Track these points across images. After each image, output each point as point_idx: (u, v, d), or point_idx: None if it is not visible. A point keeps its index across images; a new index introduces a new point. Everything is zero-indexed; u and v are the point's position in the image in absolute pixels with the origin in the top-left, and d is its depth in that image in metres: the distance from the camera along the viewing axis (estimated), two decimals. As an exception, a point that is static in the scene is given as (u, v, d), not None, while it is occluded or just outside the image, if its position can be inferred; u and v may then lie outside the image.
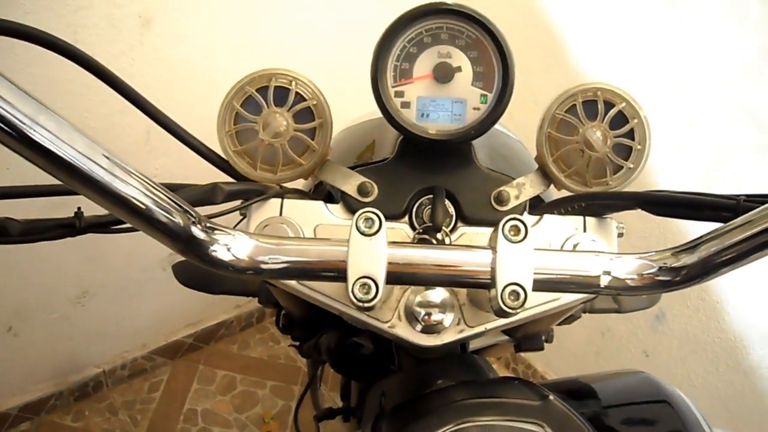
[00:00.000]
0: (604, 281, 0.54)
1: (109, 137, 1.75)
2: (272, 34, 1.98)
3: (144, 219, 0.46)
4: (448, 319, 0.66)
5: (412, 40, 0.68)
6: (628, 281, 0.54)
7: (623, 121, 0.69)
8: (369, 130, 0.87)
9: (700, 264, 0.53)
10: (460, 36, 0.68)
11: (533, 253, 0.52)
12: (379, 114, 0.70)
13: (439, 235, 0.68)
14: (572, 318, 0.90)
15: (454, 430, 0.60)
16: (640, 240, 1.80)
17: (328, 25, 2.10)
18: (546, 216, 0.71)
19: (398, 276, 0.53)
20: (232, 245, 0.52)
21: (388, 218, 0.54)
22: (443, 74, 0.69)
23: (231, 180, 0.70)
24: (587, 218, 0.71)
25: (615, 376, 0.83)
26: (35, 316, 1.99)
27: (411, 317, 0.66)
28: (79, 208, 0.58)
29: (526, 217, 0.71)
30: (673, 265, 0.54)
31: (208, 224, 0.51)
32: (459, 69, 0.69)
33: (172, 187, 0.57)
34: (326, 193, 0.78)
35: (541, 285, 0.53)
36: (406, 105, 0.70)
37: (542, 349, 0.95)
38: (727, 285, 1.66)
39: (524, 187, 0.71)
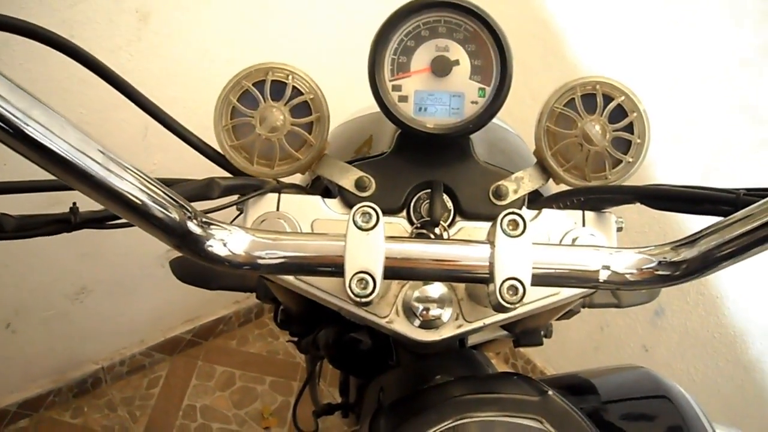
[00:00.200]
0: (604, 276, 0.54)
1: (105, 133, 1.74)
2: (270, 29, 1.98)
3: (140, 214, 0.46)
4: (446, 314, 0.66)
5: (410, 34, 0.68)
6: (627, 276, 0.54)
7: (622, 115, 0.68)
8: (366, 125, 0.87)
9: (700, 258, 0.53)
10: (458, 29, 0.68)
11: (532, 248, 0.52)
12: (376, 108, 0.69)
13: (437, 230, 0.68)
14: (571, 313, 0.90)
15: (453, 425, 0.59)
16: (638, 235, 1.80)
17: (326, 18, 2.09)
18: (544, 210, 0.71)
19: (396, 271, 0.53)
20: (228, 240, 0.52)
21: (385, 213, 0.54)
22: (441, 68, 0.68)
23: (228, 175, 0.70)
24: (586, 212, 0.71)
25: (614, 372, 0.83)
26: (33, 313, 1.99)
27: (409, 312, 0.66)
28: (74, 204, 0.58)
29: (525, 212, 0.71)
30: (672, 260, 0.54)
31: (205, 219, 0.51)
32: (457, 62, 0.68)
33: (168, 182, 0.57)
34: (323, 188, 0.78)
35: (539, 280, 0.53)
36: (403, 99, 0.69)
37: (541, 344, 0.95)
38: (726, 280, 1.66)
39: (523, 182, 0.71)
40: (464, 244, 0.55)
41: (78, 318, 2.09)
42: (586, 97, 0.69)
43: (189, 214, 0.49)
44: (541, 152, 0.71)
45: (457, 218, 0.71)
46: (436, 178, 0.70)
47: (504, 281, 0.51)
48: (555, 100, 0.69)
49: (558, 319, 0.88)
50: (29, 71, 1.55)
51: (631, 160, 0.69)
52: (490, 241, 0.53)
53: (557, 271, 0.54)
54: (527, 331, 0.94)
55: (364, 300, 0.51)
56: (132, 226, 0.49)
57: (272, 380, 2.36)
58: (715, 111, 1.59)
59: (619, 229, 0.71)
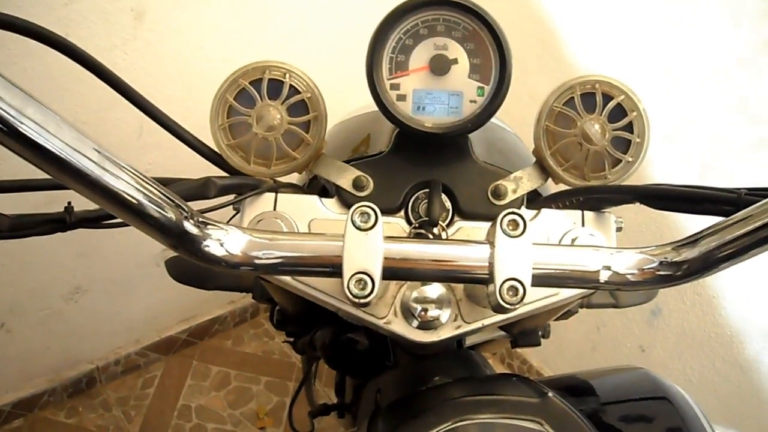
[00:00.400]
0: (604, 276, 0.54)
1: (101, 131, 1.74)
2: (267, 27, 1.97)
3: (135, 213, 0.45)
4: (444, 314, 0.65)
5: (408, 32, 0.68)
6: (628, 276, 0.54)
7: (622, 114, 0.68)
8: (364, 124, 0.87)
9: (701, 259, 0.52)
10: (457, 28, 0.67)
11: (532, 248, 0.52)
12: (374, 107, 0.69)
13: (435, 230, 0.67)
14: (569, 313, 0.89)
15: (452, 428, 0.59)
16: (636, 235, 1.80)
17: (324, 16, 2.09)
18: (544, 210, 0.71)
19: (394, 271, 0.53)
20: (225, 240, 0.51)
21: (383, 213, 0.53)
22: (439, 66, 0.68)
23: (224, 174, 0.69)
24: (585, 212, 0.70)
25: (613, 373, 0.83)
26: (28, 312, 1.98)
27: (407, 313, 0.65)
28: (69, 203, 0.57)
29: (524, 212, 0.70)
30: (673, 260, 0.53)
31: (201, 219, 0.50)
32: (455, 61, 0.68)
33: (164, 182, 0.57)
34: (321, 188, 0.77)
35: (540, 280, 0.52)
36: (401, 98, 0.69)
37: (539, 344, 0.95)
38: (723, 280, 1.66)
39: (522, 181, 0.71)
40: (463, 244, 0.54)
41: (73, 317, 2.08)
42: (586, 96, 0.68)
43: (185, 214, 0.49)
44: (540, 151, 0.70)
45: (456, 218, 0.70)
46: (434, 178, 0.70)
47: (504, 282, 0.50)
48: (554, 99, 0.69)
49: (556, 320, 0.87)
50: (25, 69, 1.54)
51: (630, 159, 0.68)
52: (490, 241, 0.53)
53: (558, 271, 0.54)
54: (525, 332, 0.94)
55: (362, 301, 0.50)
56: (128, 225, 0.49)
57: (268, 380, 2.36)
58: (713, 110, 1.59)
59: (619, 229, 0.71)
